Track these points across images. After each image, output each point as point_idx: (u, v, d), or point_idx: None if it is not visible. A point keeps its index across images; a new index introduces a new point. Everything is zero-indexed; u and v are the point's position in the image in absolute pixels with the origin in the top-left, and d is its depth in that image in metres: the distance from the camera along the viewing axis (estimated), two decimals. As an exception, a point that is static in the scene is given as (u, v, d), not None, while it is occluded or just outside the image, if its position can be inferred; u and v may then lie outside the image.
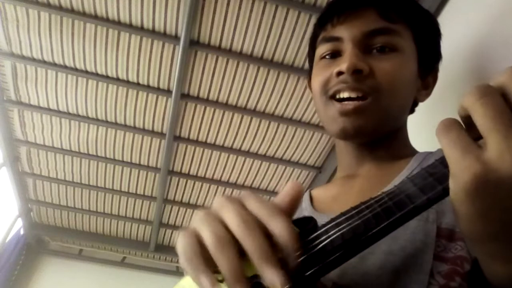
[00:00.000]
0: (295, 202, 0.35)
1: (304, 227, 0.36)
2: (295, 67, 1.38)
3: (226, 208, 0.34)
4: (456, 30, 0.86)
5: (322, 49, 0.61)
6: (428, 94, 0.63)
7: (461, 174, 0.26)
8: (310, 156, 1.69)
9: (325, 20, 0.61)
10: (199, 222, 0.35)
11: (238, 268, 0.31)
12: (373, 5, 0.58)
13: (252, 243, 0.31)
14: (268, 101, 1.49)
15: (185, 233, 0.36)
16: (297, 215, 0.38)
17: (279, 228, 0.31)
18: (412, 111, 0.65)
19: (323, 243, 0.33)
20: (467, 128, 0.28)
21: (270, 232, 0.32)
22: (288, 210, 0.35)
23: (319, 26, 0.63)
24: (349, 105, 0.54)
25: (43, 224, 2.31)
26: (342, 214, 0.34)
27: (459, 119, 0.29)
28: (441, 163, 0.30)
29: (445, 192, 0.29)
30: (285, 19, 1.25)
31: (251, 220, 0.32)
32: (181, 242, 0.35)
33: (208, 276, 0.32)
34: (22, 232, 2.39)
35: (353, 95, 0.54)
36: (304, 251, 0.34)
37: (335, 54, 0.59)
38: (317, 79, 0.59)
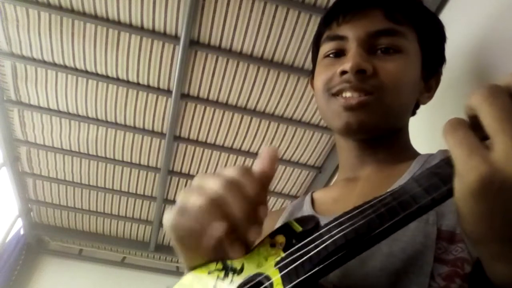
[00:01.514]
0: (271, 169, 0.40)
1: (307, 226, 0.36)
2: (295, 67, 1.38)
3: (208, 177, 0.39)
4: (457, 30, 0.86)
5: (326, 47, 0.60)
6: (430, 97, 0.63)
7: (467, 174, 0.26)
8: (310, 156, 1.69)
9: (330, 18, 0.61)
10: (184, 194, 0.40)
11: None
12: (379, 5, 0.58)
13: (235, 201, 0.36)
14: (268, 101, 1.49)
15: (173, 207, 0.40)
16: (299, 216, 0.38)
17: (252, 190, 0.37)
18: (414, 113, 0.65)
19: (326, 243, 0.33)
20: (473, 128, 0.28)
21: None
22: (264, 178, 0.39)
23: (324, 25, 0.63)
24: (353, 99, 0.54)
25: (43, 224, 2.31)
26: (345, 213, 0.34)
27: (460, 118, 0.29)
28: (446, 163, 0.30)
29: (450, 192, 0.29)
30: (285, 19, 1.25)
31: (232, 183, 0.37)
32: (170, 213, 0.39)
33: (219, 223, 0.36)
34: (22, 232, 2.39)
35: (356, 95, 0.54)
36: (306, 250, 0.33)
37: (339, 53, 0.59)
38: (320, 78, 0.59)
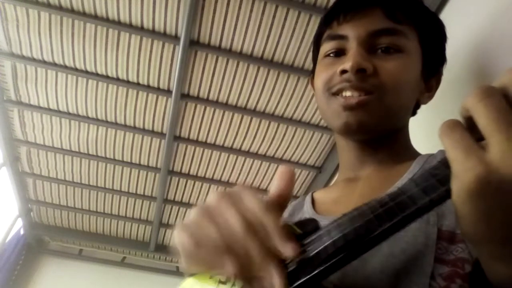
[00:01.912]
0: (289, 190, 0.37)
1: (306, 229, 0.36)
2: (295, 67, 1.38)
3: (225, 206, 0.35)
4: (457, 30, 0.86)
5: (327, 46, 0.60)
6: (430, 97, 0.63)
7: (463, 175, 0.26)
8: (310, 156, 1.69)
9: (331, 17, 0.61)
10: (196, 217, 0.36)
11: (239, 269, 0.32)
12: (380, 5, 0.58)
13: (255, 245, 0.32)
14: (268, 101, 1.49)
15: (182, 227, 0.37)
16: (299, 217, 0.38)
17: (276, 235, 0.33)
18: (414, 113, 0.65)
19: (325, 244, 0.33)
20: (469, 129, 0.28)
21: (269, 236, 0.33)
22: (282, 200, 0.37)
23: (325, 24, 0.63)
24: (353, 99, 0.53)
25: (43, 224, 2.31)
26: (344, 215, 0.34)
27: (456, 119, 0.29)
28: (444, 164, 0.30)
29: (448, 193, 0.29)
30: (285, 19, 1.25)
31: (252, 222, 0.33)
32: (179, 236, 0.36)
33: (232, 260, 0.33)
34: (22, 232, 2.39)
35: (356, 94, 0.54)
36: (307, 253, 0.33)
37: (340, 53, 0.59)
38: (321, 77, 0.59)
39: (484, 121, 0.26)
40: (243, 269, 0.32)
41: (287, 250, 0.32)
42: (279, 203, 0.37)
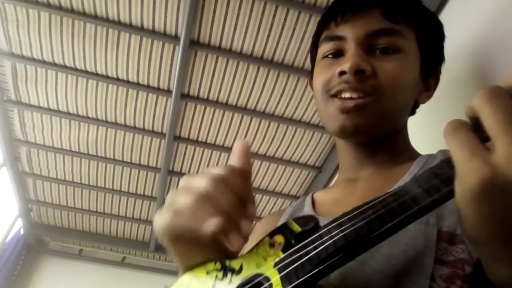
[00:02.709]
0: (246, 158, 0.42)
1: (306, 227, 0.36)
2: (295, 67, 1.37)
3: (194, 179, 0.39)
4: (457, 30, 0.86)
5: (325, 48, 0.60)
6: (429, 96, 0.63)
7: (468, 176, 0.26)
8: (310, 156, 1.69)
9: (328, 18, 0.61)
10: (173, 195, 0.40)
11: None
12: (377, 5, 0.57)
13: (226, 198, 0.37)
14: (268, 101, 1.49)
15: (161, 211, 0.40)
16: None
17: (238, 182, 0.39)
18: (413, 112, 0.65)
19: (326, 244, 0.32)
20: (474, 130, 0.27)
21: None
22: (246, 170, 0.41)
23: (323, 25, 0.63)
24: (350, 102, 0.53)
25: (43, 224, 2.31)
26: (345, 214, 0.34)
27: (462, 119, 0.29)
28: (447, 164, 0.30)
29: (451, 194, 0.29)
30: (285, 19, 1.25)
31: (219, 181, 0.38)
32: (160, 216, 0.39)
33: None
34: (22, 232, 2.39)
35: (355, 95, 0.53)
36: (306, 251, 0.33)
37: (338, 54, 0.58)
38: (319, 78, 0.59)
39: (490, 122, 0.26)
40: (222, 224, 0.36)
41: (251, 205, 0.38)
42: (243, 175, 0.40)
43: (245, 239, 0.38)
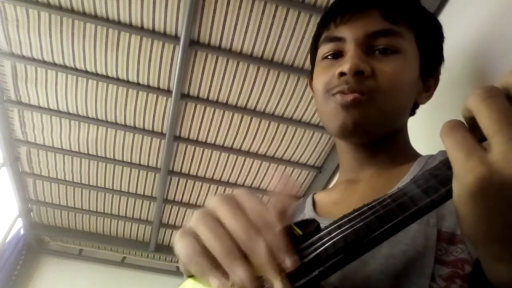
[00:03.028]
0: (290, 203, 0.36)
1: (307, 230, 0.36)
2: (295, 67, 1.38)
3: (225, 211, 0.35)
4: (456, 30, 0.86)
5: (325, 49, 0.60)
6: (429, 97, 0.63)
7: (465, 176, 0.26)
8: (310, 156, 1.69)
9: (328, 19, 0.61)
10: (199, 223, 0.35)
11: (251, 273, 0.31)
12: (377, 6, 0.57)
13: (257, 249, 0.32)
14: (268, 101, 1.49)
15: (184, 233, 0.36)
16: (300, 219, 0.38)
17: (274, 241, 0.32)
18: (412, 113, 0.65)
19: (326, 245, 0.33)
20: (471, 130, 0.28)
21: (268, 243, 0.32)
22: (284, 213, 0.35)
23: (322, 26, 0.63)
24: (349, 96, 0.53)
25: (43, 224, 2.31)
26: (345, 216, 0.34)
27: (461, 119, 0.29)
28: (445, 164, 0.30)
29: (449, 194, 0.29)
30: (285, 19, 1.25)
31: (252, 226, 0.33)
32: (181, 243, 0.36)
33: (218, 277, 0.33)
34: (22, 232, 2.39)
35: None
36: (307, 254, 0.33)
37: (337, 54, 0.59)
38: (319, 79, 0.59)
39: (486, 122, 0.26)
40: (251, 272, 0.31)
41: (287, 262, 0.31)
42: (281, 211, 0.35)
43: None
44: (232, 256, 0.32)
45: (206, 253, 0.34)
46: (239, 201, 0.35)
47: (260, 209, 0.34)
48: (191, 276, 0.41)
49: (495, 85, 0.28)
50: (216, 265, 0.33)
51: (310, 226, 0.36)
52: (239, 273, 0.31)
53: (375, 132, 0.56)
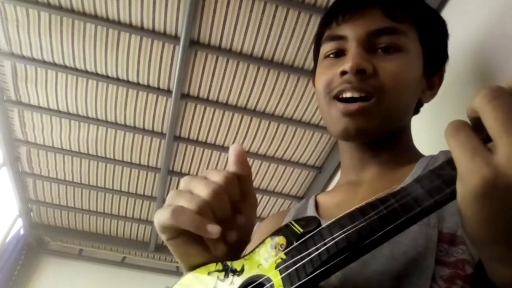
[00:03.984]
0: (243, 163, 0.43)
1: (308, 228, 0.36)
2: (295, 67, 1.37)
3: (195, 184, 0.42)
4: (458, 28, 0.86)
5: (327, 47, 0.60)
6: (433, 95, 0.62)
7: (469, 177, 0.26)
8: (310, 156, 1.69)
9: (330, 18, 0.61)
10: (174, 197, 0.42)
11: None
12: (379, 4, 0.57)
13: (223, 208, 0.41)
14: (268, 101, 1.49)
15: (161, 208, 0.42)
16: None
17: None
18: (416, 111, 0.64)
19: (327, 245, 0.32)
20: (476, 130, 0.27)
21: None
22: (244, 172, 0.43)
23: (324, 24, 0.62)
24: (353, 105, 0.53)
25: (43, 224, 2.31)
26: (347, 215, 0.34)
27: (463, 119, 0.29)
28: (449, 164, 0.30)
29: (453, 195, 0.29)
30: (285, 19, 1.25)
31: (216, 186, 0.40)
32: (162, 209, 0.41)
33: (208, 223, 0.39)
34: (22, 232, 2.39)
35: (356, 95, 0.53)
36: (308, 253, 0.33)
37: (339, 53, 0.58)
38: (321, 79, 0.59)
39: (492, 123, 0.26)
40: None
41: (241, 219, 0.42)
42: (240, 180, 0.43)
43: (229, 247, 0.41)
44: (197, 212, 0.39)
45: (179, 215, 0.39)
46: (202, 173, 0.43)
47: (220, 172, 0.42)
48: (190, 270, 0.41)
49: (502, 85, 0.27)
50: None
51: (311, 224, 0.36)
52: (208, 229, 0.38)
53: (379, 132, 0.56)
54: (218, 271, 0.39)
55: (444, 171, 0.30)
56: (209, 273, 0.39)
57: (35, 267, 2.53)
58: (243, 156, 0.43)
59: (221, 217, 0.40)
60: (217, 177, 0.41)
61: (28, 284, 2.47)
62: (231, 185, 0.41)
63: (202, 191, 0.40)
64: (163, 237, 0.42)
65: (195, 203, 0.39)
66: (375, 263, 0.43)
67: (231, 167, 0.43)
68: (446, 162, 0.30)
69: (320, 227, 0.35)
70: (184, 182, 0.43)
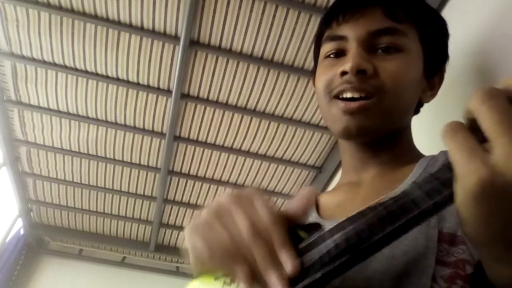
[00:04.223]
0: (307, 209, 0.37)
1: (311, 233, 0.36)
2: (295, 67, 1.37)
3: (236, 210, 0.36)
4: (458, 28, 0.85)
5: (327, 47, 0.60)
6: (433, 95, 0.62)
7: (467, 177, 0.26)
8: (310, 156, 1.69)
9: (330, 18, 0.60)
10: (211, 219, 0.37)
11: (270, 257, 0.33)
12: (379, 4, 0.57)
13: (260, 252, 0.33)
14: (268, 101, 1.49)
15: (196, 229, 0.37)
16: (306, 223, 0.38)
17: (283, 255, 0.33)
18: (417, 111, 0.64)
19: (328, 248, 0.32)
20: (473, 131, 0.27)
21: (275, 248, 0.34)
22: (299, 216, 0.37)
23: (325, 24, 0.62)
24: (354, 104, 0.53)
25: (43, 224, 2.31)
26: (348, 218, 0.34)
27: (462, 119, 0.29)
28: (447, 166, 0.30)
29: (452, 196, 0.29)
30: (285, 19, 1.25)
31: (260, 229, 0.34)
32: (194, 239, 0.37)
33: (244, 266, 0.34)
34: (22, 232, 2.39)
35: (357, 95, 0.53)
36: (309, 255, 0.33)
37: (340, 53, 0.58)
38: (321, 79, 0.58)
39: (488, 124, 0.26)
40: (251, 273, 0.33)
41: (288, 266, 0.32)
42: (291, 220, 0.36)
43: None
44: (233, 254, 0.34)
45: (214, 248, 0.35)
46: (248, 200, 0.36)
47: (268, 210, 0.35)
48: (197, 276, 0.41)
49: (497, 86, 0.28)
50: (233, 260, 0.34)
51: (315, 231, 0.36)
52: (237, 272, 0.33)
53: (379, 132, 0.56)
54: (225, 276, 0.39)
55: (442, 173, 0.30)
56: (216, 278, 0.39)
57: (35, 267, 2.53)
58: (310, 205, 0.37)
59: (260, 263, 0.33)
60: (264, 212, 0.35)
61: (28, 284, 2.47)
62: (277, 229, 0.34)
63: (243, 225, 0.35)
64: (191, 257, 0.38)
65: (230, 240, 0.34)
66: (375, 263, 0.43)
67: (293, 203, 0.37)
68: (444, 164, 0.31)
69: (322, 232, 0.35)
70: (224, 201, 0.37)
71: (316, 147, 1.64)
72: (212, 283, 0.39)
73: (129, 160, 1.79)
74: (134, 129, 1.64)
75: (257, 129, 1.59)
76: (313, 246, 0.34)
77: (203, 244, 0.36)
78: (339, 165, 1.61)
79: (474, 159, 0.26)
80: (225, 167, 1.78)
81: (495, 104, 0.26)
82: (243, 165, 1.76)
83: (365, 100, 0.53)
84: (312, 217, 0.58)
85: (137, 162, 1.79)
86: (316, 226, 0.37)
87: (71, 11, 1.28)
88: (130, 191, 1.96)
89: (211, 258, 0.36)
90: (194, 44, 1.32)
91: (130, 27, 1.30)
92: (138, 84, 1.47)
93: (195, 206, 2.00)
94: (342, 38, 0.58)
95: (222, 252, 0.35)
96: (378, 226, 0.31)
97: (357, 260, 0.33)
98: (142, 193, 1.97)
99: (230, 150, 1.69)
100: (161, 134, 1.65)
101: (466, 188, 0.26)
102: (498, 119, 0.25)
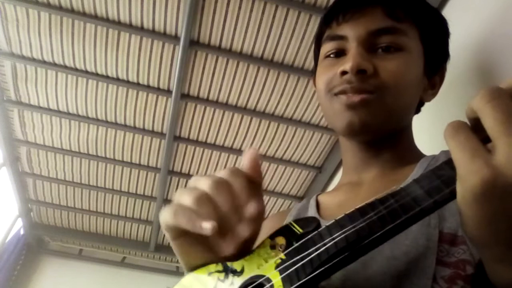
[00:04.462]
0: (255, 167, 0.41)
1: (307, 228, 0.36)
2: (295, 67, 1.37)
3: (199, 180, 0.40)
4: (459, 27, 0.85)
5: (327, 47, 0.60)
6: (434, 94, 0.62)
7: (469, 177, 0.26)
8: (310, 156, 1.69)
9: (330, 17, 0.60)
10: (178, 194, 0.41)
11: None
12: (380, 3, 0.57)
13: (223, 198, 0.38)
14: (268, 101, 1.49)
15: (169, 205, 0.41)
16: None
17: (244, 197, 0.38)
18: (418, 110, 0.64)
19: (327, 245, 0.32)
20: (475, 131, 0.27)
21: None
22: (255, 176, 0.41)
23: (325, 24, 0.62)
24: (355, 97, 0.53)
25: (43, 224, 2.31)
26: (347, 215, 0.34)
27: (464, 119, 0.29)
28: (448, 165, 0.30)
29: (452, 195, 0.29)
30: (285, 19, 1.25)
31: (221, 182, 0.39)
32: (164, 213, 0.40)
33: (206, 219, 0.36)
34: (22, 232, 2.39)
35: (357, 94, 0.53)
36: (307, 253, 0.33)
37: (340, 53, 0.58)
38: (322, 79, 0.58)
39: (491, 123, 0.26)
40: (216, 226, 0.36)
41: (251, 207, 0.37)
42: (250, 179, 0.40)
43: (240, 244, 0.38)
44: (196, 210, 0.37)
45: (180, 212, 0.38)
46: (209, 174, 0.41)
47: (226, 170, 0.40)
48: (190, 270, 0.41)
49: (500, 86, 0.27)
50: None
51: (311, 224, 0.36)
52: (204, 225, 0.36)
53: (381, 130, 0.56)
54: (218, 271, 0.39)
55: (443, 171, 0.30)
56: (209, 274, 0.39)
57: (35, 267, 2.53)
58: (257, 162, 0.41)
59: (224, 210, 0.37)
60: (221, 172, 0.40)
61: (28, 284, 2.47)
62: (235, 177, 0.39)
63: (204, 184, 0.39)
64: (167, 236, 0.41)
65: (193, 197, 0.38)
66: (375, 264, 0.43)
67: (243, 166, 0.41)
68: (445, 163, 0.30)
69: (320, 228, 0.35)
70: (191, 180, 0.42)
71: (316, 147, 1.64)
72: (205, 279, 0.39)
73: (129, 160, 1.79)
74: (134, 129, 1.64)
75: (257, 129, 1.59)
76: (312, 244, 0.34)
77: (170, 211, 0.39)
78: (339, 165, 1.61)
79: (476, 159, 0.26)
80: (225, 167, 1.78)
81: (499, 103, 0.26)
82: (243, 165, 1.75)
83: (367, 94, 0.53)
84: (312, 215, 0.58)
85: (137, 162, 1.79)
86: (312, 220, 0.37)
87: (71, 11, 1.27)
88: (130, 191, 1.96)
89: (175, 216, 0.38)
90: (194, 44, 1.32)
91: (130, 27, 1.30)
92: (138, 84, 1.47)
93: (195, 206, 2.00)
94: (342, 37, 0.58)
95: (187, 210, 0.37)
96: (378, 225, 0.31)
97: (355, 257, 0.33)
98: (142, 193, 1.97)
99: (230, 150, 1.69)
100: (161, 134, 1.64)
101: (468, 188, 0.26)
102: (502, 118, 0.25)
